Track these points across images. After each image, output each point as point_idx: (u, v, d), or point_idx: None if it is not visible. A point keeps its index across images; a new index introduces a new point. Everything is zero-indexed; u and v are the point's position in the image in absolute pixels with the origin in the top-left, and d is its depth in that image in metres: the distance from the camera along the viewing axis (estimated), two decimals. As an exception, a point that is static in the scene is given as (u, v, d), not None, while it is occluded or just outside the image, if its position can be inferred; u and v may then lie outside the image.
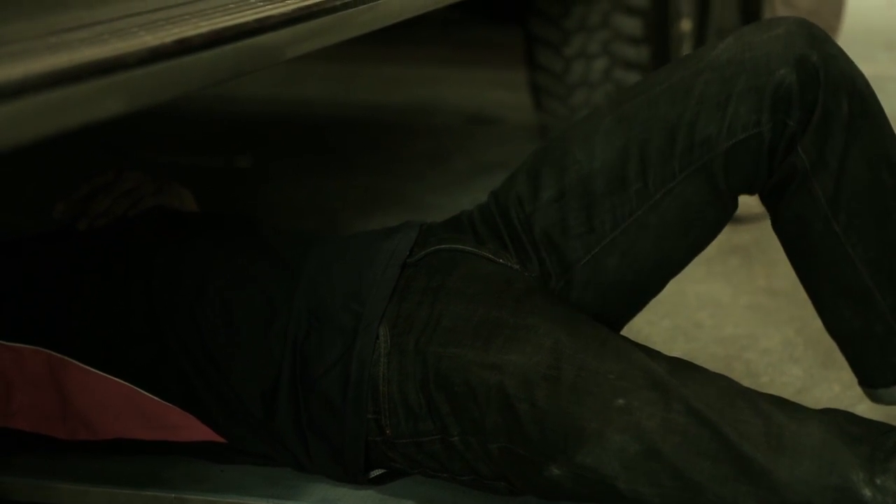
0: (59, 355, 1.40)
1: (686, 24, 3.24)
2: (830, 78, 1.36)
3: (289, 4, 1.23)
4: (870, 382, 1.47)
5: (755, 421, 1.25)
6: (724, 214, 1.45)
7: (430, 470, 1.38)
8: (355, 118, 3.68)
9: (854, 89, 1.38)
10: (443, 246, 1.45)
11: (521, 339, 1.32)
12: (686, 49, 3.27)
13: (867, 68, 1.50)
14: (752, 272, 2.35)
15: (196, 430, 1.40)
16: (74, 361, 1.40)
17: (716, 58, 1.40)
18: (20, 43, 0.92)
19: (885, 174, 1.39)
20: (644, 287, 1.49)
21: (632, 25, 2.82)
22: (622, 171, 1.41)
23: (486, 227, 1.49)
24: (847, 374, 1.53)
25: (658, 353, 1.35)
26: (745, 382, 1.34)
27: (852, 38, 3.65)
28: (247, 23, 1.12)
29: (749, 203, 2.51)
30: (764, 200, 1.46)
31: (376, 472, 1.42)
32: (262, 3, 1.21)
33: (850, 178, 1.39)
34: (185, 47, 1.00)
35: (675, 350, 1.98)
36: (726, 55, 1.40)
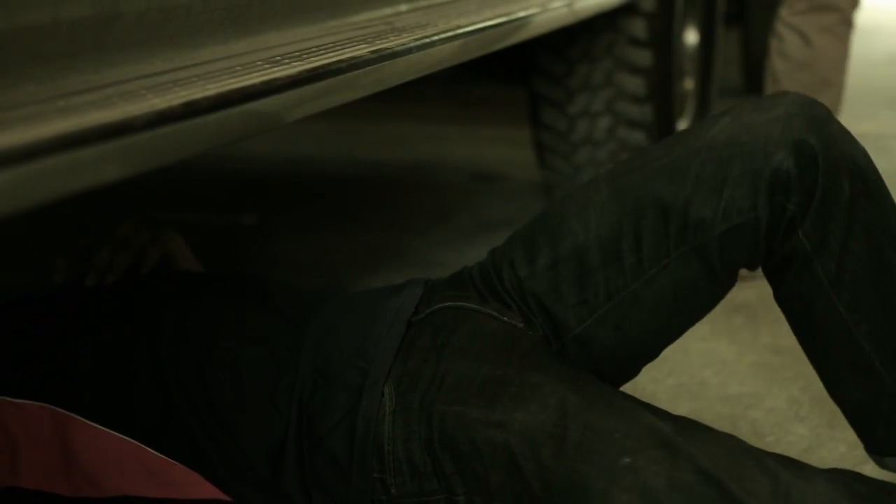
0: (63, 411, 1.40)
1: (689, 83, 3.27)
2: (830, 161, 1.35)
3: (294, 66, 1.24)
4: (877, 450, 1.47)
5: (762, 479, 1.25)
6: (720, 291, 1.44)
7: None
8: (359, 175, 3.70)
9: (856, 170, 1.36)
10: (447, 304, 1.45)
11: (527, 397, 1.31)
12: (689, 107, 3.29)
13: (869, 126, 1.51)
14: (757, 330, 2.35)
15: (201, 488, 1.40)
16: (79, 418, 1.40)
17: (713, 138, 1.38)
18: (30, 107, 0.92)
19: (887, 251, 1.39)
20: (638, 356, 1.48)
21: (635, 84, 2.84)
22: (616, 244, 1.41)
23: (486, 287, 1.49)
24: (853, 434, 1.52)
25: (664, 412, 1.35)
26: (751, 442, 1.34)
27: (855, 95, 3.67)
28: (253, 85, 1.13)
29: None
30: (766, 275, 1.46)
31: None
32: (268, 66, 1.22)
33: (853, 257, 1.38)
34: (192, 110, 1.01)
35: (680, 408, 1.97)
36: (723, 136, 1.38)
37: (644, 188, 1.40)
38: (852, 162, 1.36)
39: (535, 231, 1.47)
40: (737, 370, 2.14)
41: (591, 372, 1.44)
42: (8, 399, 1.41)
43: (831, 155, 1.35)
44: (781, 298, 1.45)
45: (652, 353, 1.48)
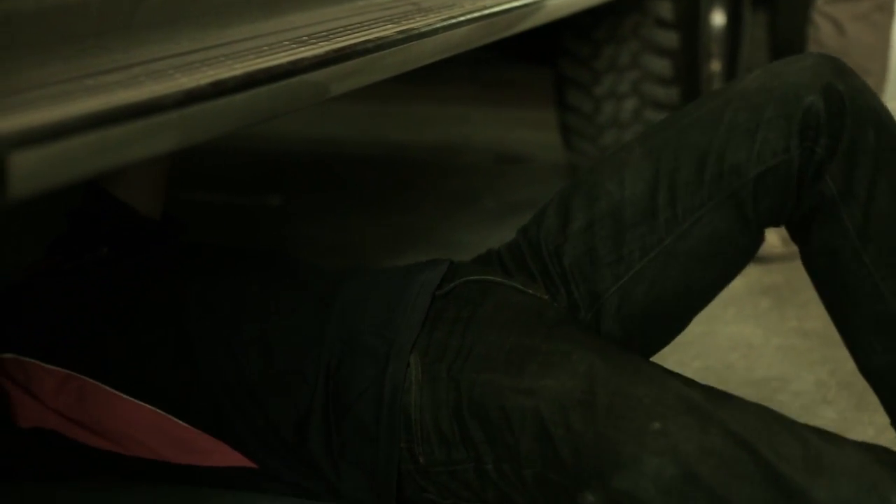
0: (91, 380, 1.41)
1: (715, 65, 3.25)
2: (856, 108, 1.38)
3: (321, 46, 1.24)
4: None
5: (793, 443, 1.25)
6: (752, 245, 1.46)
7: (463, 500, 1.38)
8: (384, 157, 3.70)
9: (880, 122, 1.40)
10: (472, 277, 1.46)
11: (556, 364, 1.32)
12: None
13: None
14: (784, 313, 2.34)
15: (227, 456, 1.41)
16: (106, 387, 1.41)
17: (745, 87, 1.42)
18: (58, 85, 0.93)
19: None
20: (671, 318, 1.49)
21: (661, 66, 2.83)
22: (652, 200, 1.42)
23: (514, 262, 1.50)
24: (881, 417, 1.51)
25: (693, 380, 1.35)
26: (778, 425, 1.33)
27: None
28: (280, 65, 1.13)
29: (779, 244, 2.51)
30: (792, 232, 1.47)
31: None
32: (295, 46, 1.22)
33: (879, 209, 1.39)
34: (220, 89, 1.01)
35: (706, 391, 1.97)
36: (755, 84, 1.42)
37: (678, 141, 1.43)
38: (876, 114, 1.40)
39: (569, 197, 1.48)
40: (764, 353, 2.14)
41: (625, 339, 1.45)
42: (39, 363, 1.42)
43: (857, 103, 1.39)
44: (808, 257, 1.46)
45: (684, 317, 1.49)
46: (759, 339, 2.21)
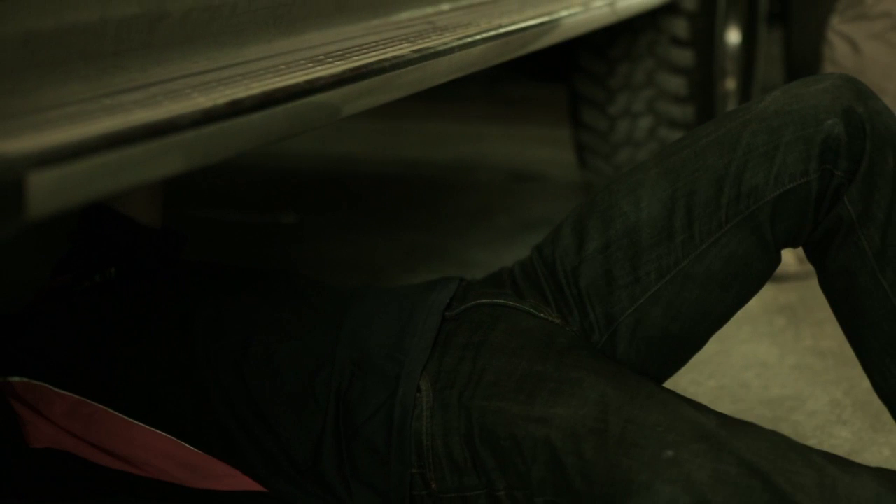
0: (102, 406, 1.41)
1: (731, 83, 3.25)
2: (876, 131, 1.37)
3: (338, 65, 1.24)
4: None
5: (808, 472, 1.24)
6: (769, 266, 1.45)
7: None
8: (398, 174, 3.70)
9: None
10: (483, 300, 1.45)
11: (567, 392, 1.31)
12: (731, 107, 3.27)
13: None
14: (799, 332, 2.33)
15: (239, 480, 1.40)
16: (117, 413, 1.41)
17: (763, 109, 1.41)
18: (77, 105, 0.93)
19: None
20: (688, 339, 1.48)
21: (676, 84, 2.83)
22: (668, 221, 1.42)
23: (527, 282, 1.49)
24: (897, 438, 1.51)
25: (706, 407, 1.34)
26: (794, 445, 1.32)
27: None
28: (297, 84, 1.13)
29: (794, 262, 2.51)
30: (810, 254, 1.46)
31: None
32: (311, 65, 1.23)
33: None
34: (237, 109, 1.02)
35: (721, 410, 1.96)
36: (773, 106, 1.41)
37: (695, 163, 1.42)
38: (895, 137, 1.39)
39: (585, 218, 1.48)
40: (778, 372, 2.13)
41: (640, 362, 1.44)
42: (50, 388, 1.42)
43: (877, 126, 1.38)
44: (825, 277, 1.45)
45: (701, 338, 1.48)
46: (774, 357, 2.20)
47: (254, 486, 1.40)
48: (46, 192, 0.79)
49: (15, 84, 0.91)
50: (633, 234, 1.43)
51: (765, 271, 1.45)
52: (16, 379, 1.43)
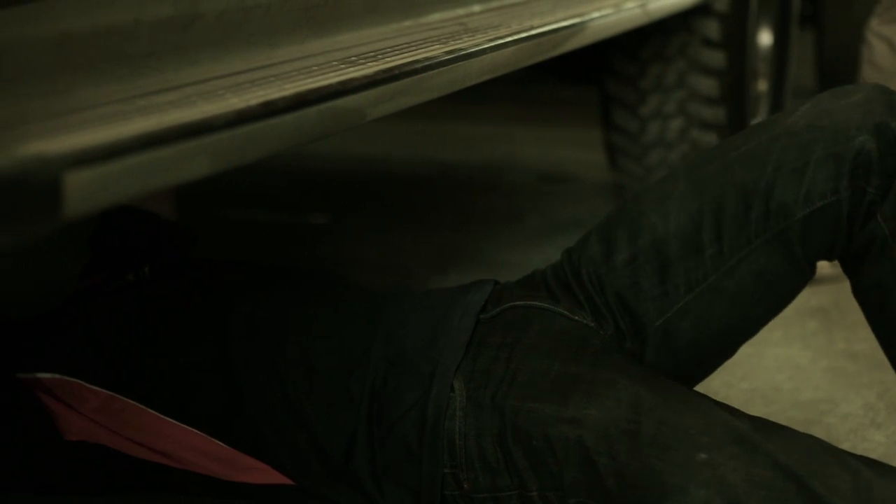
0: (134, 402, 1.42)
1: (762, 85, 3.23)
2: None
3: (370, 66, 1.24)
4: None
5: (843, 475, 1.23)
6: (801, 280, 1.44)
7: None
8: (428, 175, 3.71)
9: None
10: (517, 302, 1.45)
11: (600, 393, 1.31)
12: (763, 109, 3.26)
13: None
14: (832, 335, 2.32)
15: (269, 474, 1.41)
16: (149, 409, 1.42)
17: (793, 124, 1.39)
18: (111, 105, 0.94)
19: None
20: (718, 350, 1.47)
21: (708, 85, 2.82)
22: (697, 235, 1.41)
23: (560, 286, 1.49)
24: (932, 442, 1.49)
25: (739, 411, 1.34)
26: (827, 448, 1.31)
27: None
28: (330, 85, 1.14)
29: (827, 265, 2.49)
30: (843, 266, 1.45)
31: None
32: (343, 66, 1.23)
33: None
34: (270, 110, 1.02)
35: (753, 413, 1.95)
36: (804, 121, 1.39)
37: (724, 177, 1.40)
38: None
39: (613, 227, 1.47)
40: (811, 375, 2.12)
41: (670, 369, 1.44)
42: (83, 383, 1.43)
43: None
44: (858, 290, 1.44)
45: (731, 348, 1.48)
46: (807, 360, 2.19)
47: (285, 480, 1.41)
48: (82, 192, 0.80)
49: (50, 85, 0.92)
50: (661, 246, 1.42)
51: (797, 285, 1.44)
52: (46, 375, 1.44)
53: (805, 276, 1.43)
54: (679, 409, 1.29)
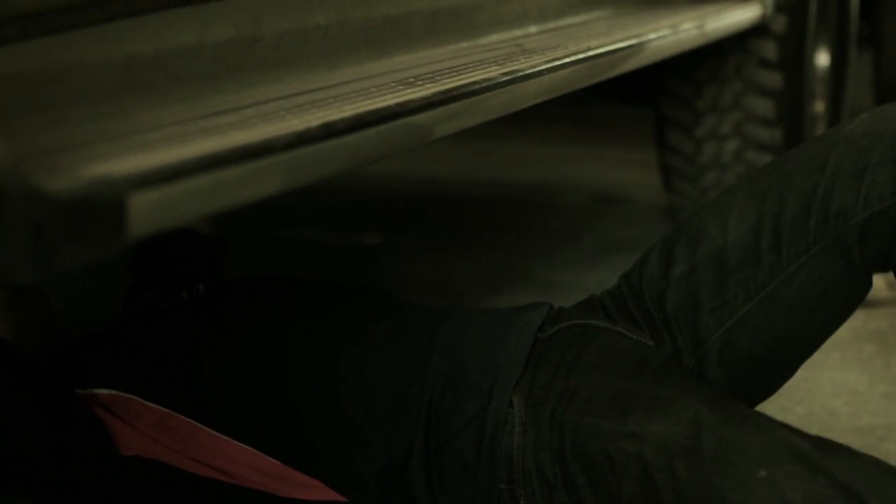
0: (189, 420, 1.43)
1: (820, 106, 3.21)
2: None
3: (428, 88, 1.25)
4: None
5: None
6: (859, 290, 1.43)
7: None
8: (482, 195, 3.71)
9: None
10: (576, 321, 1.45)
11: (660, 409, 1.31)
12: (820, 130, 3.23)
13: None
14: (889, 359, 2.29)
15: (322, 491, 1.41)
16: (204, 427, 1.43)
17: (851, 130, 1.40)
18: (174, 126, 0.95)
19: None
20: (777, 364, 1.47)
21: (764, 107, 2.80)
22: (755, 244, 1.41)
23: (617, 308, 1.49)
24: None
25: (799, 430, 1.33)
26: (886, 475, 1.30)
27: None
28: (388, 106, 1.14)
29: (884, 288, 2.46)
30: None
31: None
32: (402, 87, 1.24)
33: None
34: (329, 131, 1.03)
35: (810, 438, 1.93)
36: (862, 127, 1.40)
37: (782, 185, 1.41)
38: None
39: (671, 243, 1.47)
40: (869, 400, 2.09)
41: (730, 386, 1.43)
42: (139, 400, 1.44)
43: None
44: None
45: (789, 364, 1.46)
46: (864, 385, 2.16)
47: (338, 497, 1.41)
48: (146, 213, 0.81)
49: (115, 106, 0.93)
50: (720, 257, 1.42)
51: (856, 295, 1.43)
52: (103, 391, 1.45)
53: (862, 287, 1.42)
54: (739, 426, 1.28)
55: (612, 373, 1.36)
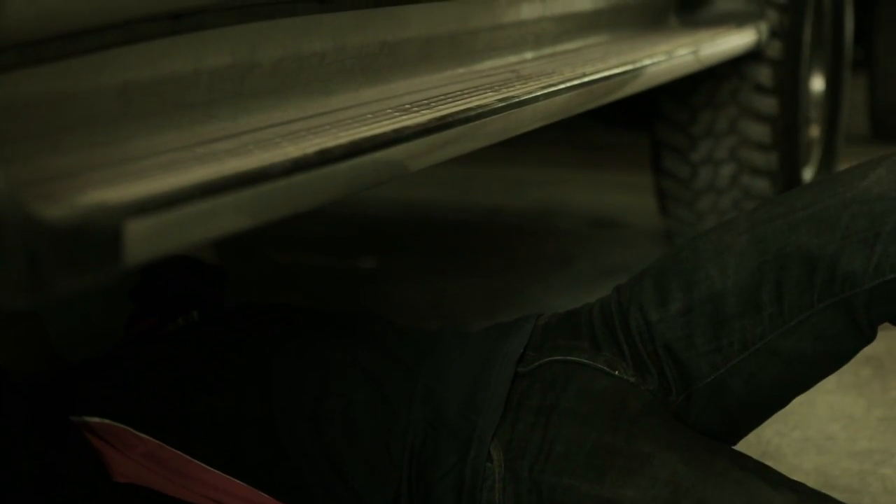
0: (181, 453, 1.42)
1: (815, 130, 3.22)
2: None
3: (423, 114, 1.25)
4: None
5: None
6: (862, 343, 1.40)
7: None
8: (478, 220, 3.71)
9: None
10: (557, 357, 1.43)
11: (636, 470, 1.29)
12: (815, 155, 3.24)
13: None
14: (886, 383, 2.29)
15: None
16: (195, 460, 1.42)
17: (866, 190, 1.36)
18: (170, 153, 0.95)
19: None
20: (767, 407, 1.45)
21: (760, 132, 2.81)
22: (756, 293, 1.38)
23: (605, 330, 1.46)
24: None
25: (784, 479, 1.31)
26: (882, 500, 1.30)
27: None
28: (384, 133, 1.15)
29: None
30: None
31: None
32: (398, 114, 1.24)
33: None
34: (326, 158, 1.03)
35: (807, 464, 1.93)
36: (877, 189, 1.35)
37: (788, 237, 1.37)
38: None
39: (668, 273, 1.44)
40: (865, 425, 2.09)
41: (717, 424, 1.41)
42: (131, 430, 1.44)
43: None
44: None
45: (782, 403, 1.45)
46: (861, 409, 2.16)
47: (329, 533, 1.41)
48: (142, 240, 0.81)
49: (112, 134, 0.93)
50: (718, 300, 1.39)
51: (856, 348, 1.41)
52: (95, 419, 1.45)
53: (866, 339, 1.40)
54: (719, 484, 1.26)
55: (589, 423, 1.34)
